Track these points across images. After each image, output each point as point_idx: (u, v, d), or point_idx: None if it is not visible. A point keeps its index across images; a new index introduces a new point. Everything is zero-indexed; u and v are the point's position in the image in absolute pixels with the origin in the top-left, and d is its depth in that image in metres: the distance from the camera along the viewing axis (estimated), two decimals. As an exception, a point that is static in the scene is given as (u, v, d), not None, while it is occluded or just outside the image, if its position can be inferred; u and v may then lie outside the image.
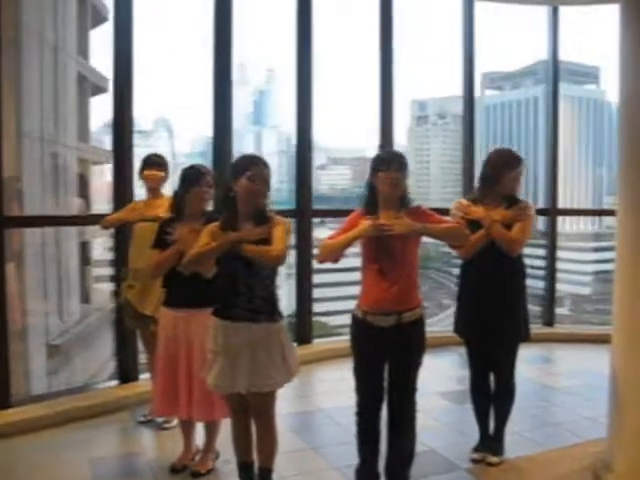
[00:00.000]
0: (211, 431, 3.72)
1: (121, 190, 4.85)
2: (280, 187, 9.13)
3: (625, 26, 3.50)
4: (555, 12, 6.52)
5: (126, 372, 4.91)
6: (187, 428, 3.76)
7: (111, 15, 4.83)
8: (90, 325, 12.27)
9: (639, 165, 3.37)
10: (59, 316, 11.68)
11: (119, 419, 4.52)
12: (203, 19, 5.48)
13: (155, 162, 4.32)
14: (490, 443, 3.83)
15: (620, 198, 3.52)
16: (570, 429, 4.27)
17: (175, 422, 4.27)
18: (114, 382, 4.99)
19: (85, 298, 12.79)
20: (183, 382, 3.53)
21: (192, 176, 3.55)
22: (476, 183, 3.89)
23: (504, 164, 3.66)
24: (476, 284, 3.64)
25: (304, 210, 5.81)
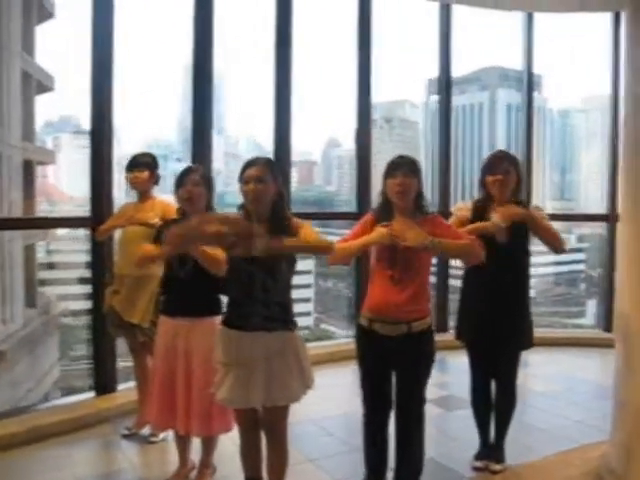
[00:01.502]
0: (208, 446, 3.55)
1: (98, 193, 4.60)
2: (226, 190, 8.97)
3: (632, 35, 3.54)
4: (530, 20, 6.61)
5: (104, 383, 4.66)
6: (182, 443, 3.58)
7: (89, 11, 4.56)
8: (36, 329, 11.80)
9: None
10: (2, 321, 11.18)
11: (101, 433, 4.28)
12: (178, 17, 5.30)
13: (137, 163, 4.08)
14: (491, 450, 3.80)
15: (625, 204, 3.55)
16: (563, 434, 4.29)
17: (162, 435, 4.09)
18: (91, 394, 4.72)
19: (31, 302, 12.29)
20: (181, 395, 3.35)
21: (178, 177, 3.39)
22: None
23: (485, 166, 3.66)
24: (484, 291, 3.58)
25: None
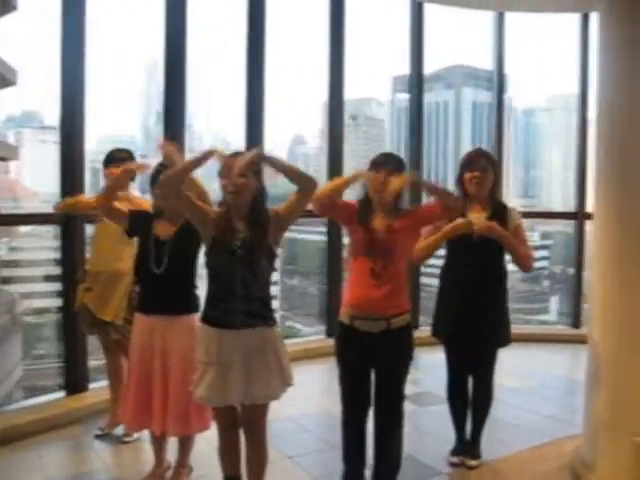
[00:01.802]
0: (185, 445, 3.50)
1: (69, 189, 4.49)
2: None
3: (604, 37, 3.58)
4: (501, 20, 6.67)
5: (74, 382, 4.56)
6: (158, 442, 3.52)
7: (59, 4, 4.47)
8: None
9: (619, 171, 3.45)
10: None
11: (72, 434, 4.19)
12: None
13: (114, 158, 3.99)
14: (467, 446, 3.83)
15: (599, 202, 3.60)
16: (535, 429, 4.35)
17: (136, 435, 4.03)
18: (60, 393, 4.61)
19: (-8, 301, 12.01)
20: (157, 395, 3.29)
21: (156, 174, 3.29)
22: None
23: (463, 163, 3.66)
24: (461, 288, 3.60)
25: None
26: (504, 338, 3.71)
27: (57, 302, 4.68)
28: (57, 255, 4.62)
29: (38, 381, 7.96)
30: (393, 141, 18.05)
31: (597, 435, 3.48)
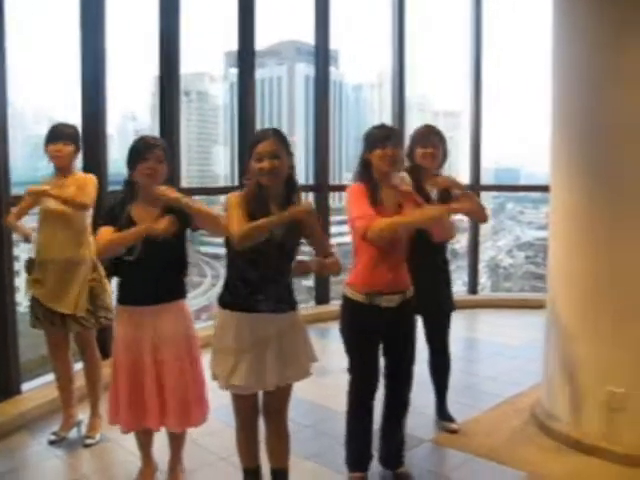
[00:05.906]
0: (179, 441, 3.26)
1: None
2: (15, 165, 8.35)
3: (557, 14, 3.85)
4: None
5: (6, 385, 4.04)
6: (147, 441, 3.25)
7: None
8: None
9: (568, 145, 3.79)
10: None
11: (21, 444, 3.72)
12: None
13: (62, 135, 3.59)
14: (443, 412, 4.00)
15: (555, 176, 3.92)
16: (482, 390, 4.64)
17: (98, 436, 3.71)
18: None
19: None
20: (152, 390, 3.03)
21: (138, 150, 2.97)
22: None
23: (415, 138, 3.76)
24: (416, 269, 3.35)
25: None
26: (452, 304, 3.92)
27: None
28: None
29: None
30: (226, 117, 17.90)
31: (557, 388, 3.83)
